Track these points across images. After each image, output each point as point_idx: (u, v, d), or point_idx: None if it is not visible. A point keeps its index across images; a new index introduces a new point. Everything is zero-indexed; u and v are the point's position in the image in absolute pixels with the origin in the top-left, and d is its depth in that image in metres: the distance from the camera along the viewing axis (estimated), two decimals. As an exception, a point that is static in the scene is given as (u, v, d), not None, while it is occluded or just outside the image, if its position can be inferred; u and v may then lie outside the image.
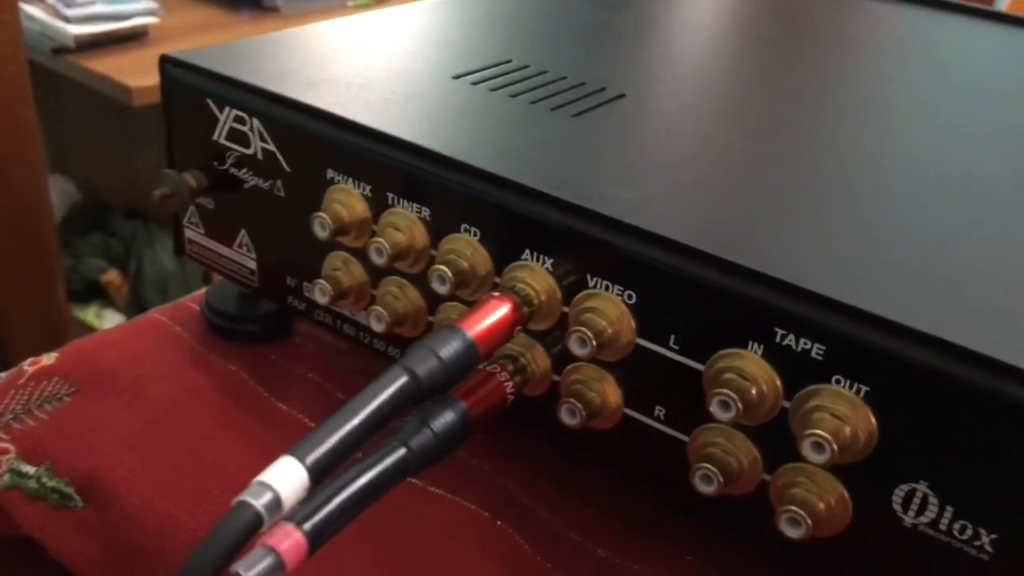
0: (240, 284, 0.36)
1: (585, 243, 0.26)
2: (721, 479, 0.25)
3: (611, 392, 0.27)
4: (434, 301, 0.30)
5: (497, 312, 0.26)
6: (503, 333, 0.26)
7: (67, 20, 1.36)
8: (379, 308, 0.30)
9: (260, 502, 0.20)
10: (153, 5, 1.47)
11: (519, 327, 0.27)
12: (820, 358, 0.23)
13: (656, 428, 0.27)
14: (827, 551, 0.25)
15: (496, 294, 0.26)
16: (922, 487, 0.23)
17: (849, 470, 0.24)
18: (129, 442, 0.31)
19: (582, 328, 0.26)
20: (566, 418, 0.27)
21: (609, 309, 0.26)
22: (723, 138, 0.32)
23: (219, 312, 0.37)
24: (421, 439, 0.24)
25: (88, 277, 1.51)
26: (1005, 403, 0.21)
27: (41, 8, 1.40)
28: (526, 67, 0.36)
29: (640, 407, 0.27)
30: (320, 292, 0.31)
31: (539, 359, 0.28)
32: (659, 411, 0.27)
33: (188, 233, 0.36)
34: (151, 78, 1.09)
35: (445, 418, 0.25)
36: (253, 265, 0.35)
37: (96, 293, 1.54)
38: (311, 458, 0.21)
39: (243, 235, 0.34)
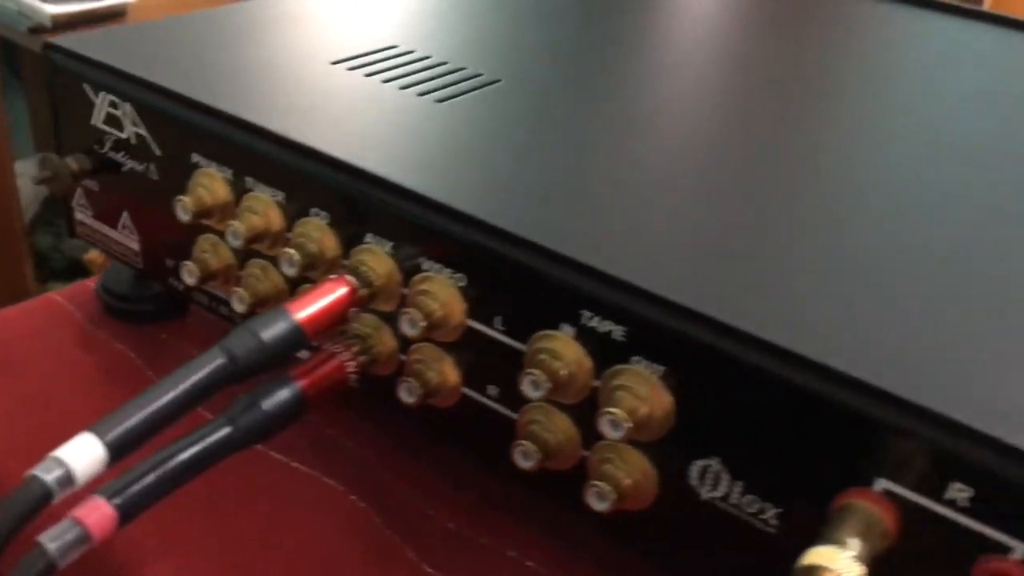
0: (127, 265, 0.37)
1: (418, 228, 0.27)
2: (539, 455, 0.26)
3: (450, 372, 0.28)
4: (295, 283, 0.31)
5: (330, 294, 0.27)
6: (334, 315, 0.27)
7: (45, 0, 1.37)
8: (241, 289, 0.31)
9: (50, 476, 0.21)
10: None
11: (355, 308, 0.28)
12: (622, 339, 0.24)
13: (491, 407, 0.28)
14: (639, 524, 0.26)
15: (333, 276, 0.28)
16: (715, 463, 0.24)
17: (654, 447, 0.25)
18: (3, 417, 0.32)
19: (411, 309, 0.27)
20: (404, 396, 0.28)
21: (441, 292, 0.27)
22: (575, 128, 0.33)
23: (112, 292, 0.39)
24: (249, 416, 0.25)
25: (71, 256, 1.53)
26: (786, 386, 0.22)
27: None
28: (410, 52, 0.37)
29: (476, 386, 0.28)
30: (188, 273, 0.32)
31: (386, 340, 0.29)
32: (493, 390, 0.28)
33: (78, 215, 0.37)
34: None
35: (277, 396, 0.26)
36: (136, 246, 0.36)
37: (79, 271, 1.55)
38: (111, 435, 0.22)
39: (125, 217, 0.35)
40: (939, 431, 0.20)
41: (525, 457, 0.26)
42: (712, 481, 0.24)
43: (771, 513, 0.23)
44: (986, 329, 0.23)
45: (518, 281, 0.26)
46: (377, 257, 0.28)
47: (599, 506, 0.25)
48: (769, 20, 0.48)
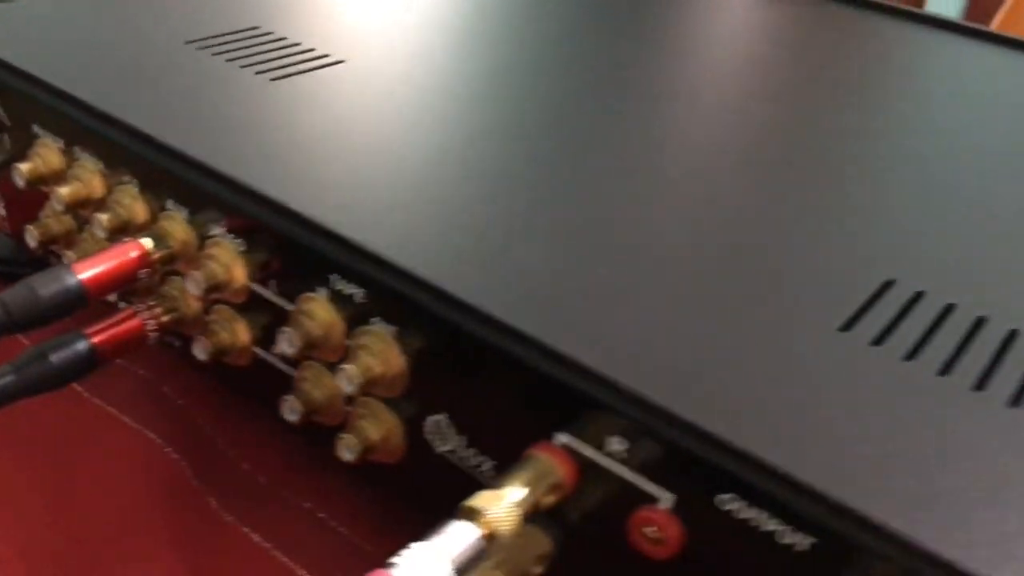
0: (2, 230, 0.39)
1: (203, 196, 0.29)
2: (303, 409, 0.28)
3: (242, 332, 0.30)
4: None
5: (119, 256, 0.29)
6: (122, 275, 0.29)
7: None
8: (70, 252, 0.33)
9: None
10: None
11: (149, 269, 0.30)
12: (363, 302, 0.26)
13: (275, 365, 0.30)
14: (396, 477, 0.28)
15: (129, 239, 0.30)
16: (443, 418, 0.26)
17: (398, 403, 0.26)
18: None
19: (195, 272, 0.28)
20: (198, 352, 0.30)
21: (224, 256, 0.29)
22: (388, 109, 0.35)
23: (-7, 256, 0.41)
24: (35, 367, 0.27)
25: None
26: (494, 349, 0.23)
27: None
28: (269, 33, 0.39)
29: (264, 345, 0.30)
30: (30, 237, 0.34)
31: (191, 302, 0.31)
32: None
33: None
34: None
35: (66, 350, 0.28)
36: (3, 212, 0.38)
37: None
38: None
39: (-8, 184, 0.38)
40: (601, 391, 0.22)
41: (291, 411, 0.28)
42: (442, 435, 0.26)
43: (488, 466, 0.25)
44: (636, 287, 0.25)
45: (283, 247, 0.28)
46: (176, 223, 0.30)
47: (347, 456, 0.27)
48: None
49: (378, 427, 0.27)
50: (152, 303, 0.30)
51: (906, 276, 0.27)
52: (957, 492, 0.20)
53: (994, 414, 0.22)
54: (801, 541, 0.20)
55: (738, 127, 0.36)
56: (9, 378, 0.27)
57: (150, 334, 0.30)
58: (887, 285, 0.27)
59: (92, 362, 0.28)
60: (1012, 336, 0.25)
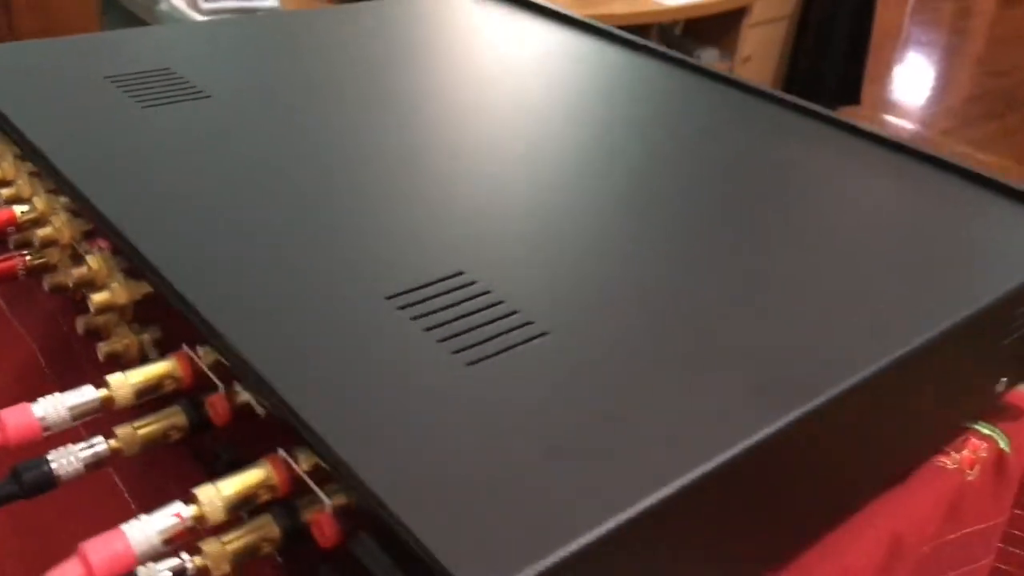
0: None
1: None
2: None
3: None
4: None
5: (-6, 216, 0.43)
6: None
7: (198, 11, 1.64)
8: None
9: None
10: (274, 1, 1.72)
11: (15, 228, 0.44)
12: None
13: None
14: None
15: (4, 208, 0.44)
16: (142, 336, 0.38)
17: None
18: None
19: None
20: (45, 285, 0.44)
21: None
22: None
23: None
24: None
25: None
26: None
27: None
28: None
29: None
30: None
31: (55, 254, 0.45)
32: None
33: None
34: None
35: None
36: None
37: None
38: None
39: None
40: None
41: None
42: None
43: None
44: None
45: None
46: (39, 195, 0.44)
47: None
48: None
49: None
50: (25, 252, 0.45)
51: (464, 266, 0.37)
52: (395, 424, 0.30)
53: (454, 370, 0.32)
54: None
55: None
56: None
57: (20, 273, 0.44)
58: (456, 275, 0.37)
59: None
60: (506, 315, 0.35)
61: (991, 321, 0.41)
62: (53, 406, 0.32)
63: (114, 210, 0.39)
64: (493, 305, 0.35)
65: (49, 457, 0.31)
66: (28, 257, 0.44)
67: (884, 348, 0.35)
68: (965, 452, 0.48)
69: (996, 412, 0.51)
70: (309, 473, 0.30)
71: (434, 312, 0.35)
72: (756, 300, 0.37)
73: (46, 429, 0.32)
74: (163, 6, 1.66)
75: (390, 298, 0.35)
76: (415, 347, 0.33)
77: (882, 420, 0.39)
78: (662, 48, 0.64)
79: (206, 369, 0.34)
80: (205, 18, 1.61)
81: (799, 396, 0.32)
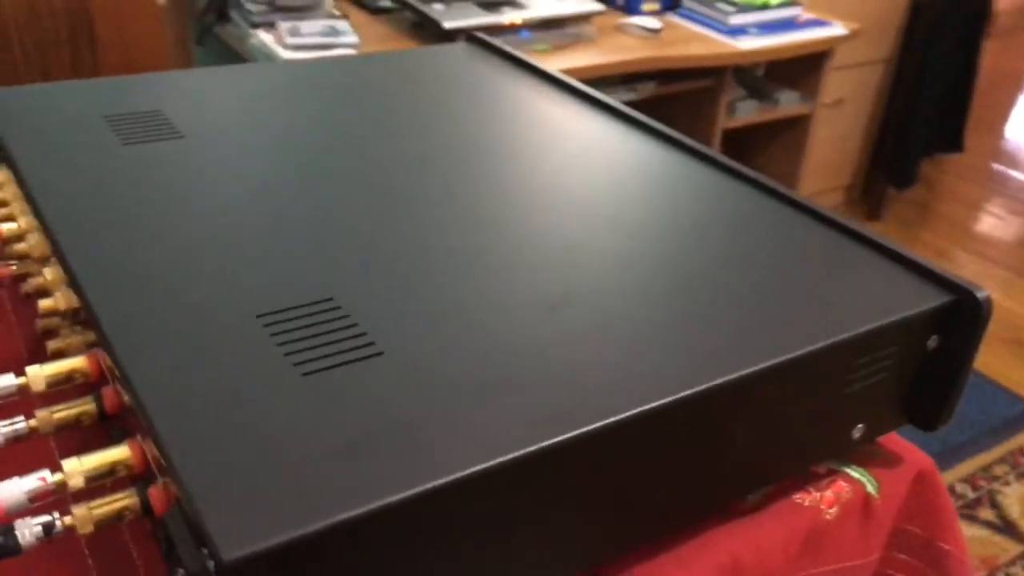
0: None
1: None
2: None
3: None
4: None
5: (-15, 231, 0.53)
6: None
7: (284, 46, 1.76)
8: None
9: None
10: (355, 40, 1.83)
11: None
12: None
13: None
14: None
15: (-3, 224, 0.53)
16: (74, 337, 0.46)
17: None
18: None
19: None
20: (25, 289, 0.53)
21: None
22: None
23: None
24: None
25: None
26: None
27: (272, 34, 1.82)
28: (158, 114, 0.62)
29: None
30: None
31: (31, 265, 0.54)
32: None
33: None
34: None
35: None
36: None
37: None
38: None
39: None
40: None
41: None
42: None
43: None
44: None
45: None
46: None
47: (43, 353, 0.48)
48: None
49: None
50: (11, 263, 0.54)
51: (335, 293, 0.44)
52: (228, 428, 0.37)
53: (288, 379, 0.39)
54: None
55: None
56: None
57: (5, 280, 0.53)
58: (325, 300, 0.44)
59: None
60: (354, 335, 0.41)
61: (823, 366, 0.45)
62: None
63: (60, 226, 0.47)
64: (347, 327, 0.42)
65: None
66: (14, 267, 0.53)
67: (696, 376, 0.40)
68: (828, 492, 0.52)
69: (871, 458, 0.54)
70: (155, 456, 0.37)
71: (292, 331, 0.41)
72: (575, 324, 0.43)
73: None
74: (254, 40, 1.79)
75: (260, 316, 0.42)
76: (263, 359, 0.40)
77: (700, 444, 0.43)
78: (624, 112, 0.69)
79: (105, 369, 0.42)
80: (291, 54, 1.74)
81: (571, 424, 0.37)
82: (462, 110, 0.67)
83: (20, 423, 0.41)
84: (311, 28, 1.81)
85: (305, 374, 0.39)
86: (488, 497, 0.36)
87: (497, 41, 0.80)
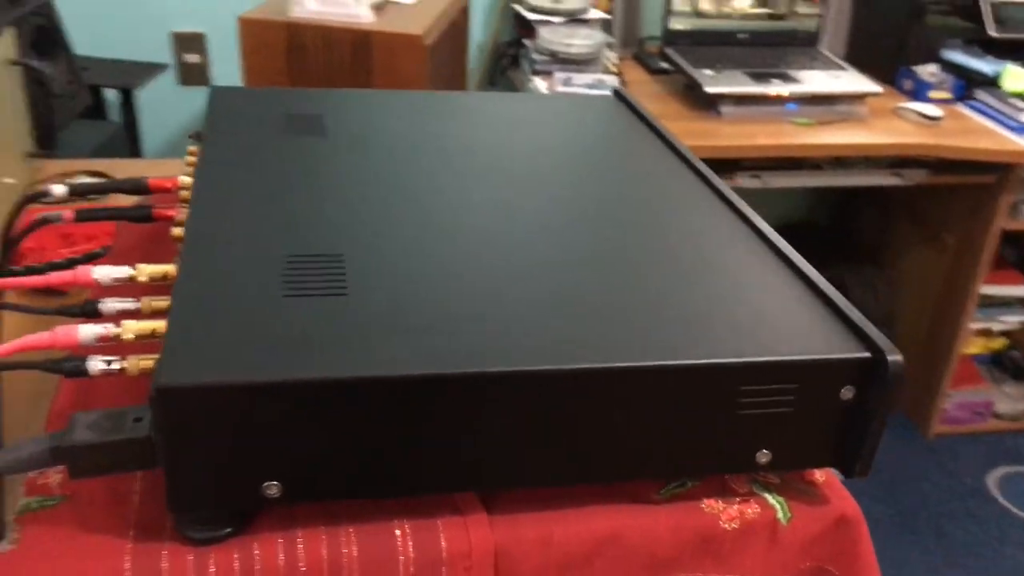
0: None
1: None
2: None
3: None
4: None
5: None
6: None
7: (550, 91, 1.96)
8: (194, 186, 0.79)
9: None
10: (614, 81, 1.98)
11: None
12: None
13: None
14: None
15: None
16: None
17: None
18: None
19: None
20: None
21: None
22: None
23: None
24: None
25: None
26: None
27: (547, 81, 2.03)
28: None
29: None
30: (195, 179, 0.81)
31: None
32: None
33: None
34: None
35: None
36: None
37: None
38: None
39: None
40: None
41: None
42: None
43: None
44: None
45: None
46: None
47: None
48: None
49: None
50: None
51: (346, 250, 0.59)
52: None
53: (275, 296, 0.55)
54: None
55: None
56: None
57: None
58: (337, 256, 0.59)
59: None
60: (339, 279, 0.56)
61: (705, 381, 0.53)
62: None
63: (199, 178, 0.67)
64: (337, 275, 0.57)
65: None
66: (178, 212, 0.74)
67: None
68: (735, 507, 0.58)
69: (798, 492, 0.60)
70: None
71: (300, 269, 0.57)
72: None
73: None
74: (531, 85, 2.02)
75: (288, 256, 0.58)
76: (266, 280, 0.56)
77: (578, 414, 0.53)
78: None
79: (184, 273, 0.60)
80: (553, 98, 1.92)
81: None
82: (562, 152, 0.80)
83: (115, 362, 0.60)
84: (582, 80, 2.00)
85: (285, 295, 0.55)
86: (380, 402, 0.49)
87: (634, 99, 0.92)
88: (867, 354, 0.55)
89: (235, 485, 0.50)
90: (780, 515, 0.59)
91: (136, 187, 0.73)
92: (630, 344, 0.53)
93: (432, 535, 0.54)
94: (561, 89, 1.94)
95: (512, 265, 0.60)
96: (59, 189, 0.71)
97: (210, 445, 0.48)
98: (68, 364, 0.54)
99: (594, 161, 0.78)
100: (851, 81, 2.08)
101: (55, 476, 0.55)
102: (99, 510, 0.53)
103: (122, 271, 0.61)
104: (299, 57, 1.39)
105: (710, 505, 0.58)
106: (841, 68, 2.16)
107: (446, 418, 0.51)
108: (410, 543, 0.53)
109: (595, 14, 2.20)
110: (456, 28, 1.70)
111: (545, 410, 0.52)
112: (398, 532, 0.54)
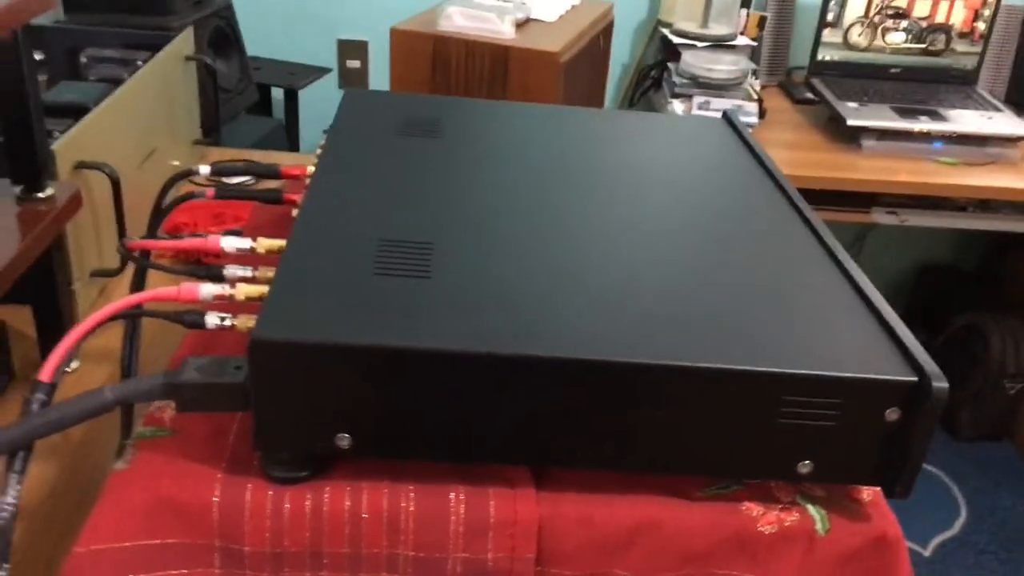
0: None
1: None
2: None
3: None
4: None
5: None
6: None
7: (687, 115, 1.99)
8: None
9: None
10: (753, 120, 1.99)
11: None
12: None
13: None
14: None
15: (307, 166, 0.83)
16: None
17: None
18: None
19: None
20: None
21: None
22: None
23: None
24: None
25: None
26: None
27: (685, 105, 2.06)
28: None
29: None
30: (323, 170, 0.90)
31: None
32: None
33: None
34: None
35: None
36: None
37: None
38: None
39: None
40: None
41: (298, 230, 0.78)
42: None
43: (297, 250, 0.72)
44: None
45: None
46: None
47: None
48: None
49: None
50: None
51: (434, 239, 0.65)
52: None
53: (366, 274, 0.61)
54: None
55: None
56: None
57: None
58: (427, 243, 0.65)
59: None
60: (425, 265, 0.62)
61: (743, 387, 0.57)
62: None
63: (320, 167, 0.75)
64: (426, 259, 0.64)
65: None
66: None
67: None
68: (774, 513, 0.61)
69: (841, 508, 0.62)
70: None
71: (392, 252, 0.64)
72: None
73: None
74: (668, 108, 2.05)
75: (381, 240, 0.65)
76: (360, 259, 0.63)
77: (625, 405, 0.57)
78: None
79: (295, 248, 0.68)
80: (690, 121, 1.95)
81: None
82: (657, 167, 0.84)
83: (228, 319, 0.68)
84: (720, 104, 2.02)
85: (375, 273, 0.61)
86: (448, 374, 0.55)
87: (741, 123, 0.95)
88: (914, 378, 0.57)
89: (312, 433, 0.57)
90: (819, 526, 0.61)
91: (270, 172, 0.82)
92: (682, 345, 0.57)
93: (483, 501, 0.59)
94: (697, 112, 1.96)
95: (589, 263, 0.65)
96: (204, 169, 0.81)
97: (293, 395, 0.55)
98: (188, 317, 0.63)
99: (686, 176, 0.82)
100: (1004, 123, 2.01)
101: (169, 412, 0.64)
102: (200, 444, 0.61)
103: (244, 243, 0.70)
104: (442, 68, 1.48)
105: (750, 508, 0.61)
106: (997, 109, 2.09)
107: (505, 395, 0.56)
108: (462, 507, 0.59)
109: (742, 41, 2.21)
110: (597, 47, 1.76)
111: (595, 397, 0.57)
112: (452, 495, 0.59)
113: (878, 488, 0.62)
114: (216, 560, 0.59)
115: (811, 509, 0.62)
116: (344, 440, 0.57)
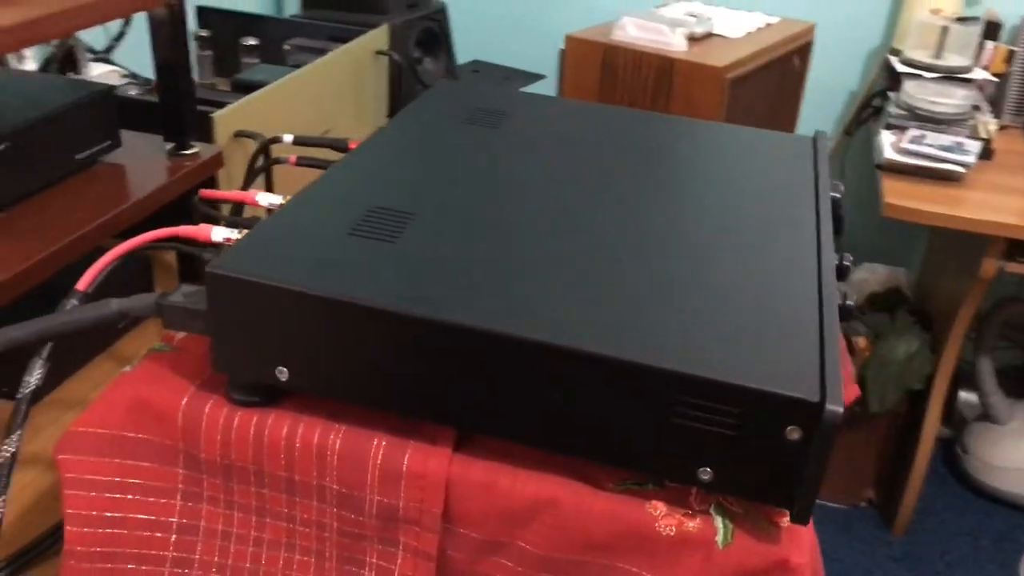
0: None
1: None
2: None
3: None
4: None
5: (367, 145, 0.91)
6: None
7: (893, 148, 1.88)
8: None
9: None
10: (971, 160, 1.85)
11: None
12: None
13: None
14: None
15: (376, 143, 0.91)
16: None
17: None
18: None
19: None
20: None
21: None
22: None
23: None
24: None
25: None
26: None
27: (895, 136, 1.94)
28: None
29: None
30: (406, 151, 0.98)
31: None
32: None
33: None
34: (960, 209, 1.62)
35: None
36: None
37: None
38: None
39: None
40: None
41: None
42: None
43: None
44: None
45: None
46: (388, 145, 0.90)
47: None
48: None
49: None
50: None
51: (419, 209, 0.70)
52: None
53: (343, 234, 0.68)
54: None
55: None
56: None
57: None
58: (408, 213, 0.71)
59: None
60: (399, 231, 0.68)
61: (638, 383, 0.57)
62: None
63: (369, 141, 0.83)
64: (400, 228, 0.69)
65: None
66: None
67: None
68: (678, 516, 0.61)
69: (753, 525, 0.60)
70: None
71: (373, 219, 0.70)
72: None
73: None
74: (878, 137, 1.94)
75: (370, 207, 0.72)
76: (342, 222, 0.69)
77: (542, 384, 0.60)
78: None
79: (313, 208, 0.76)
80: (891, 155, 1.84)
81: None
82: (709, 178, 0.84)
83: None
84: (936, 140, 1.89)
85: (349, 234, 0.68)
86: (368, 328, 0.61)
87: (823, 147, 0.91)
88: (815, 399, 0.54)
89: (257, 362, 0.64)
90: (719, 537, 0.60)
91: (339, 146, 0.92)
92: (589, 331, 0.58)
93: (399, 451, 0.64)
94: (904, 145, 1.84)
95: (554, 250, 0.67)
96: (288, 137, 0.91)
97: (240, 326, 0.63)
98: (208, 254, 0.73)
99: (712, 184, 0.81)
100: None
101: (180, 334, 0.74)
102: (191, 362, 0.71)
103: (277, 199, 0.79)
104: (610, 76, 1.52)
105: (655, 506, 0.61)
106: None
107: (419, 355, 0.61)
108: (381, 452, 0.64)
109: (980, 75, 2.04)
110: (786, 67, 1.71)
111: (502, 369, 0.59)
112: (375, 441, 0.64)
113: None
114: (180, 461, 0.68)
115: (718, 520, 0.60)
116: (283, 373, 0.64)
